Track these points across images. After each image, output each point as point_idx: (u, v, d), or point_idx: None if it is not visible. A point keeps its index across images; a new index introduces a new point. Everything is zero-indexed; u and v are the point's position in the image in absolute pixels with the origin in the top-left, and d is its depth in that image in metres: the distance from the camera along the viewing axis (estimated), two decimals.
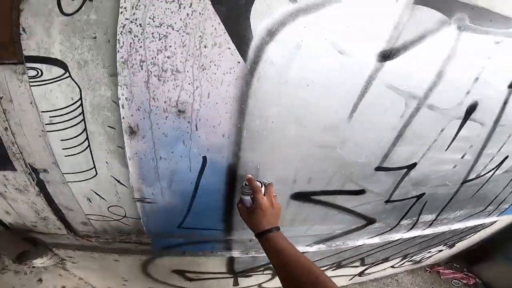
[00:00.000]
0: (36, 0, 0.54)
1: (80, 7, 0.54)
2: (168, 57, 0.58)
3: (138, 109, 0.64)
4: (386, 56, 0.67)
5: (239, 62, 0.60)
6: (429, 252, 2.16)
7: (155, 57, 0.58)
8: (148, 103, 0.63)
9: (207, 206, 0.88)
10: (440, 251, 2.24)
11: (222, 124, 0.69)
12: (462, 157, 1.01)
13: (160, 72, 0.59)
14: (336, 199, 1.00)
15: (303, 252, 0.97)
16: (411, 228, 1.47)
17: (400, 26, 0.64)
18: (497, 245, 2.37)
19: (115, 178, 0.78)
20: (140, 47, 0.57)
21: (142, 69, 0.59)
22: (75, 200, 0.84)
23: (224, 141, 0.72)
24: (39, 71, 0.59)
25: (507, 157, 1.15)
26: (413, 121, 0.81)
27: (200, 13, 0.55)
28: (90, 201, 0.85)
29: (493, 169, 1.17)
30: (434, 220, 1.46)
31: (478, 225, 1.80)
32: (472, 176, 1.15)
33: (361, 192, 1.00)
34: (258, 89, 0.64)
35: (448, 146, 0.93)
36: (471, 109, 0.86)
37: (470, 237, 2.10)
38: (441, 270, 2.50)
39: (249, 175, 0.75)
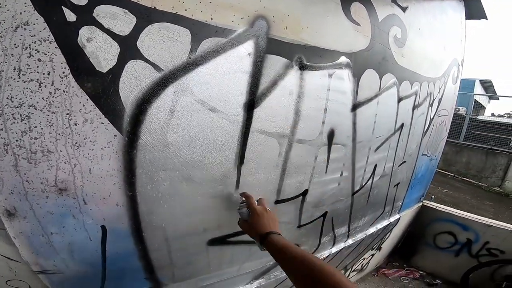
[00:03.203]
0: None
1: None
2: (35, 138, 0.57)
3: (12, 193, 0.60)
4: (251, 105, 0.83)
5: (115, 136, 0.65)
6: (364, 258, 2.37)
7: (20, 139, 0.56)
8: (22, 185, 0.59)
9: (124, 269, 0.84)
10: (373, 255, 2.49)
11: (113, 195, 0.70)
12: (341, 175, 1.25)
13: (29, 154, 0.57)
14: None
15: None
16: (334, 243, 1.64)
17: (256, 75, 0.81)
18: (418, 236, 2.76)
19: (4, 256, 0.70)
20: (1, 129, 0.54)
21: (7, 153, 0.56)
22: None
23: (119, 209, 0.73)
24: None
25: (376, 165, 1.47)
26: (290, 156, 0.99)
27: (64, 91, 0.55)
28: None
29: (370, 177, 1.46)
30: (348, 231, 1.67)
31: (388, 224, 2.12)
32: (357, 187, 1.41)
33: None
34: (141, 157, 0.70)
35: (326, 169, 1.15)
36: (331, 135, 1.10)
37: (388, 236, 2.42)
38: (385, 272, 2.71)
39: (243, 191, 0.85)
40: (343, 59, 1.06)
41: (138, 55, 0.62)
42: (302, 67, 0.92)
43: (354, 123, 1.20)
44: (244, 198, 0.86)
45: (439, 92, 2.00)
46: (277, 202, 1.05)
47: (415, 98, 1.69)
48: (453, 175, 8.05)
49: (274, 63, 0.85)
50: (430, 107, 1.95)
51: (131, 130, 0.66)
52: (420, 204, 2.66)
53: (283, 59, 0.86)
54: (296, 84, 0.92)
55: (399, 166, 1.81)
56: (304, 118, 0.97)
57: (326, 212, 1.33)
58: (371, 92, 1.27)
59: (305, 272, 0.59)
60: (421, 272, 2.73)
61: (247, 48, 0.78)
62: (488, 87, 16.07)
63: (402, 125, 1.64)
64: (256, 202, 0.84)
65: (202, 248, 0.96)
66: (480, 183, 7.57)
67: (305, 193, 1.13)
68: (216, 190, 0.87)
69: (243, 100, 0.81)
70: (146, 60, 0.63)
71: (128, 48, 0.60)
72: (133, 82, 0.63)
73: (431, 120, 2.04)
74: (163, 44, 0.64)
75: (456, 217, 2.54)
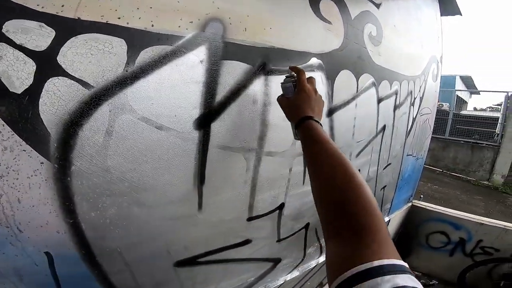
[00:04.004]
0: None
1: None
2: None
3: None
4: (208, 119, 0.74)
5: (42, 163, 0.56)
6: None
7: None
8: None
9: None
10: None
11: (51, 223, 0.61)
12: None
13: None
14: (226, 254, 0.99)
15: None
16: (321, 252, 1.55)
17: (212, 85, 0.72)
18: (411, 237, 2.71)
19: None
20: None
21: None
22: None
23: (62, 236, 0.64)
24: None
25: (359, 170, 1.40)
26: (260, 171, 0.90)
27: None
28: None
29: None
30: None
31: None
32: None
33: (247, 242, 1.02)
34: (78, 184, 0.61)
35: (304, 180, 1.07)
36: None
37: None
38: None
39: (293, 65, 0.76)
40: (314, 61, 1.00)
41: (60, 72, 0.53)
42: (267, 72, 0.84)
43: (331, 129, 1.13)
44: (292, 72, 0.76)
45: (419, 91, 1.98)
46: (250, 219, 0.97)
47: (396, 98, 1.65)
48: (441, 170, 8.15)
49: (233, 69, 0.77)
50: (412, 106, 1.92)
51: (61, 156, 0.57)
52: (410, 204, 2.63)
53: (244, 65, 0.79)
54: (261, 92, 0.84)
55: (384, 169, 1.76)
56: (273, 128, 0.89)
57: (308, 224, 1.25)
58: (348, 94, 1.21)
59: (334, 164, 0.51)
60: (416, 273, 2.69)
61: (198, 55, 0.70)
62: (468, 82, 16.57)
63: (384, 126, 1.59)
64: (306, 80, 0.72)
65: (170, 271, 0.87)
66: (468, 178, 7.69)
67: (281, 206, 1.05)
68: (176, 212, 0.78)
69: (197, 113, 0.72)
70: (71, 77, 0.54)
71: (47, 65, 0.52)
72: (56, 103, 0.54)
73: (413, 119, 2.01)
74: (91, 58, 0.56)
75: (447, 216, 2.52)
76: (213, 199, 0.83)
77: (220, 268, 1.01)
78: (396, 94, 1.64)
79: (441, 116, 8.58)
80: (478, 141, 8.02)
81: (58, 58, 0.53)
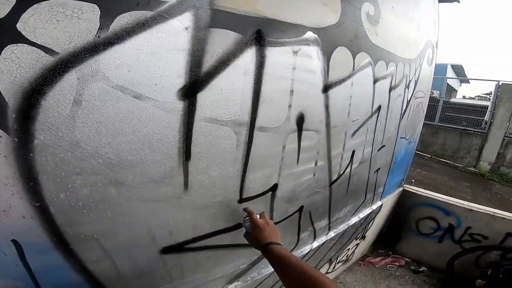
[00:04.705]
0: None
1: None
2: None
3: None
4: (193, 89, 0.67)
5: (0, 137, 0.49)
6: (348, 249, 2.31)
7: None
8: None
9: (62, 283, 0.71)
10: (357, 245, 2.44)
11: (15, 206, 0.55)
12: (316, 164, 1.13)
13: None
14: (215, 240, 0.94)
15: None
16: (314, 237, 1.53)
17: (198, 53, 0.65)
18: (401, 222, 2.72)
19: None
20: None
21: None
22: None
23: (29, 222, 0.57)
24: None
25: (354, 151, 1.36)
26: (251, 147, 0.84)
27: None
28: None
29: (348, 165, 1.36)
30: (329, 224, 1.57)
31: (370, 213, 2.06)
32: (334, 177, 1.30)
33: (238, 226, 0.97)
34: (42, 161, 0.53)
35: (298, 159, 1.02)
36: (300, 120, 0.97)
37: (371, 224, 2.38)
38: (372, 260, 2.67)
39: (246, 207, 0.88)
40: (309, 35, 0.93)
41: (20, 39, 0.47)
42: (260, 43, 0.77)
43: (327, 106, 1.07)
44: (246, 213, 0.87)
45: (415, 74, 1.93)
46: (242, 200, 0.91)
47: (392, 79, 1.60)
48: (430, 156, 8.29)
49: (222, 38, 0.69)
50: (406, 89, 1.88)
51: (21, 128, 0.50)
52: (401, 188, 2.64)
53: (235, 34, 0.71)
54: (253, 63, 0.77)
55: (378, 150, 1.73)
56: (265, 102, 0.83)
57: (302, 206, 1.21)
58: (344, 72, 1.15)
59: (299, 281, 0.62)
60: (406, 259, 2.71)
61: (183, 22, 0.62)
62: (459, 71, 16.77)
63: (380, 107, 1.55)
64: (259, 216, 0.86)
65: (155, 258, 0.82)
66: (456, 164, 7.86)
67: (274, 188, 1.00)
68: (159, 193, 0.71)
69: (181, 83, 0.65)
70: (32, 43, 0.48)
71: (5, 32, 0.46)
72: (14, 70, 0.48)
73: (408, 102, 1.98)
74: (56, 24, 0.49)
75: (437, 202, 2.52)
76: (200, 178, 0.76)
77: (210, 254, 0.97)
78: (392, 75, 1.59)
79: (431, 103, 8.70)
80: (466, 128, 8.16)
81: (18, 25, 0.47)
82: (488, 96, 10.80)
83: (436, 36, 2.15)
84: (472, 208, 2.37)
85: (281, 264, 0.69)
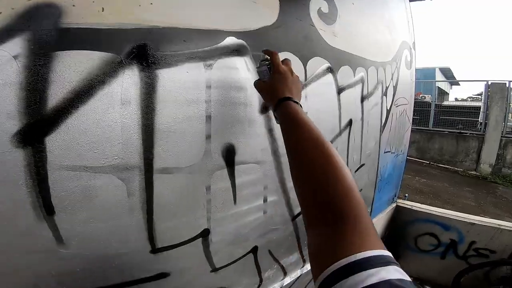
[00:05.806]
0: None
1: None
2: None
3: None
4: (36, 131, 0.49)
5: None
6: None
7: None
8: None
9: None
10: None
11: None
12: (265, 201, 0.92)
13: None
14: None
15: None
16: (285, 274, 1.29)
17: (38, 85, 0.48)
18: (398, 241, 2.49)
19: None
20: None
21: None
22: None
23: None
24: None
25: None
26: (154, 194, 0.64)
27: None
28: None
29: None
30: (303, 257, 1.34)
31: None
32: (297, 210, 1.08)
33: (163, 275, 0.75)
34: None
35: (235, 199, 0.81)
36: (228, 153, 0.77)
37: None
38: None
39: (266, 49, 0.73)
40: (230, 41, 0.74)
41: None
42: (146, 61, 0.58)
43: (270, 130, 0.87)
44: (266, 56, 0.73)
45: (392, 79, 1.77)
46: (156, 250, 0.69)
47: (363, 87, 1.42)
48: (428, 162, 8.03)
49: (78, 62, 0.50)
50: (384, 97, 1.70)
51: None
52: (394, 205, 2.40)
53: (100, 54, 0.52)
54: (136, 87, 0.57)
55: (356, 171, 1.52)
56: (165, 136, 0.63)
57: (256, 247, 0.99)
58: None
59: (308, 136, 0.52)
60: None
61: (10, 50, 0.44)
62: (447, 74, 16.90)
63: (351, 121, 1.35)
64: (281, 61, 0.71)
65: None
66: (455, 168, 7.60)
67: (205, 233, 0.78)
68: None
69: (16, 126, 0.46)
70: None
71: None
72: None
73: (388, 111, 1.79)
74: None
75: (434, 216, 2.30)
76: (80, 230, 0.55)
77: None
78: (363, 82, 1.41)
79: (424, 107, 8.63)
80: (462, 131, 7.99)
81: None
82: (479, 96, 10.73)
83: (411, 36, 2.01)
84: (474, 222, 2.15)
85: (293, 120, 0.57)
